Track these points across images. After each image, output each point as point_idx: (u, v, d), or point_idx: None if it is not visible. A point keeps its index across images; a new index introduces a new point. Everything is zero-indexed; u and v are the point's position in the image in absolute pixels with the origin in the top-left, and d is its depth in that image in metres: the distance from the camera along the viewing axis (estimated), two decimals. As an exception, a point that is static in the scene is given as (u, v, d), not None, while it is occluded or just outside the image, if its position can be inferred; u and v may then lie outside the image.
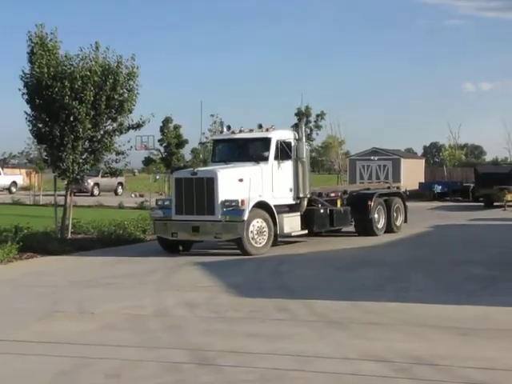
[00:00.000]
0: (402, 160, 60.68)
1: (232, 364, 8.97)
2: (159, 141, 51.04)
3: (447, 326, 10.99)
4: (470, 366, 8.71)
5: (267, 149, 20.78)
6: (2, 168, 71.97)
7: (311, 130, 47.22)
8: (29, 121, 23.94)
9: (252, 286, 15.25)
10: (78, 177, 24.73)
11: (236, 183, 19.37)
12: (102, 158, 25.01)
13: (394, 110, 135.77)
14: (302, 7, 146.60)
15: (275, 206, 20.17)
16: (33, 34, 23.30)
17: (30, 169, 60.04)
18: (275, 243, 19.88)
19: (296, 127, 22.43)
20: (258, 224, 19.64)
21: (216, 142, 23.52)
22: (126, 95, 23.89)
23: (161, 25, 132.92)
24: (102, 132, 24.08)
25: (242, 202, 18.60)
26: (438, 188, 56.65)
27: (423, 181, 60.36)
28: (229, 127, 24.28)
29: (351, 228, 25.40)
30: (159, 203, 21.96)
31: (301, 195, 21.34)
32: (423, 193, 56.49)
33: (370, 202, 23.80)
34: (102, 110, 23.37)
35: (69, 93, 22.78)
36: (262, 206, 19.32)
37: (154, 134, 48.66)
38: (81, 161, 23.93)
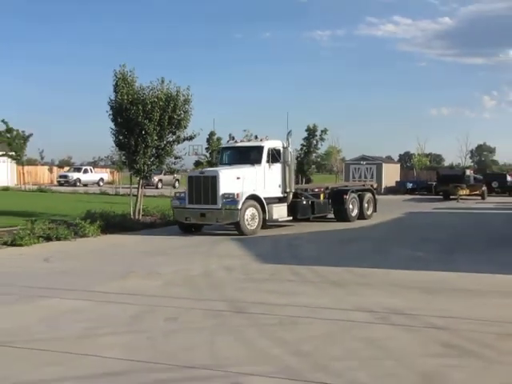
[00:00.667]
0: (384, 164, 60.49)
1: (258, 312, 9.15)
2: (206, 149, 50.84)
3: (415, 286, 11.11)
4: (431, 315, 8.85)
5: (261, 154, 20.82)
6: (93, 168, 72.30)
7: (317, 141, 46.71)
8: (113, 134, 24.39)
9: (272, 255, 15.38)
10: (147, 175, 25.03)
11: (234, 180, 19.44)
12: (164, 161, 25.31)
13: (379, 127, 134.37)
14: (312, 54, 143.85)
15: (266, 198, 20.28)
16: (117, 71, 23.81)
17: (113, 169, 60.01)
18: (264, 227, 19.95)
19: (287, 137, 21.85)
20: (250, 212, 19.68)
21: (223, 149, 23.44)
22: (182, 115, 24.16)
23: (209, 65, 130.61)
24: (164, 142, 24.37)
25: (238, 195, 18.76)
26: (409, 185, 56.84)
27: (399, 180, 60.20)
28: (233, 138, 24.52)
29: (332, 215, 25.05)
30: (177, 195, 21.66)
31: (287, 190, 21.38)
32: (399, 189, 56.48)
33: (345, 196, 23.67)
34: (165, 126, 23.71)
35: (141, 114, 23.12)
36: (253, 198, 19.42)
37: (203, 143, 48.73)
38: (149, 163, 24.22)
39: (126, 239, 20.08)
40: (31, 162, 66.40)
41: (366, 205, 25.50)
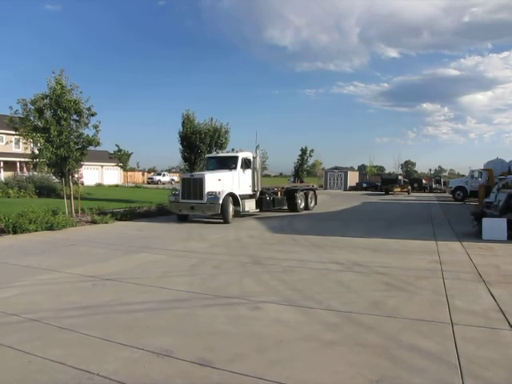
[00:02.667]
0: (348, 172, 60.19)
1: (269, 263, 9.10)
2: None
3: (367, 247, 10.98)
4: (377, 266, 8.75)
5: (236, 162, 18.39)
6: (168, 172, 72.93)
7: (307, 157, 46.33)
8: (180, 152, 24.49)
9: (278, 229, 15.25)
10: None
11: (216, 181, 17.15)
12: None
13: (346, 149, 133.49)
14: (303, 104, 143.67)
15: (241, 195, 17.90)
16: (184, 114, 23.93)
17: (180, 173, 60.75)
18: (237, 216, 17.83)
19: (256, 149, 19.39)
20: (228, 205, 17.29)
21: (208, 158, 20.23)
22: (223, 140, 24.19)
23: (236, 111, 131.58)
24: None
25: (219, 192, 16.69)
26: (364, 185, 56.33)
27: (358, 181, 59.79)
28: (216, 150, 22.33)
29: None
30: (173, 192, 18.28)
31: (256, 189, 19.09)
32: (357, 187, 56.10)
33: (296, 194, 22.00)
34: (213, 147, 23.74)
35: (198, 140, 23.21)
36: (231, 195, 17.11)
37: None
38: (202, 170, 24.34)
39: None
40: (131, 169, 67.21)
41: (310, 200, 23.47)
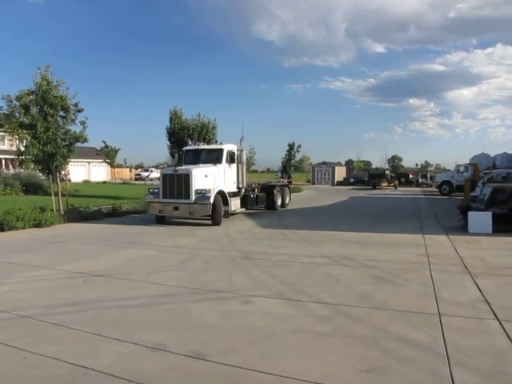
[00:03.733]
0: (336, 167, 60.28)
1: (259, 258, 9.16)
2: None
3: (355, 241, 11.11)
4: (365, 259, 8.87)
5: (221, 156, 16.06)
6: (156, 168, 72.46)
7: (295, 152, 46.29)
8: (168, 148, 24.48)
9: (268, 224, 15.28)
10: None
11: (203, 178, 14.81)
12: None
13: (331, 144, 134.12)
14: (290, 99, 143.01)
15: (227, 193, 15.63)
16: (172, 110, 23.84)
17: (167, 169, 60.51)
18: (226, 217, 15.59)
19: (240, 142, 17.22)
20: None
21: (186, 151, 17.25)
22: (211, 136, 24.13)
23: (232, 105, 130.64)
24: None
25: (209, 190, 14.45)
26: (351, 180, 56.35)
27: (345, 176, 59.98)
28: (194, 142, 19.45)
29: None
30: (150, 190, 15.51)
31: (240, 186, 17.01)
32: (345, 182, 56.26)
33: (273, 190, 20.08)
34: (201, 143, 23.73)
35: (186, 135, 23.09)
36: (220, 193, 15.00)
37: None
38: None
39: None
40: (119, 166, 66.73)
41: (285, 196, 21.86)
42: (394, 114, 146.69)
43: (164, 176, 14.99)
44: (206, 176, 15.10)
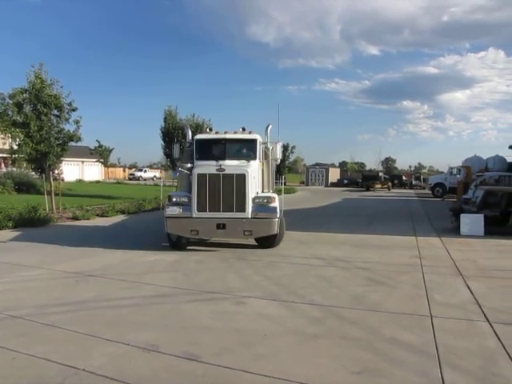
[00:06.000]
0: (330, 168, 60.40)
1: (252, 259, 9.16)
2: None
3: (349, 243, 11.16)
4: (358, 261, 8.91)
5: (255, 149, 11.14)
6: (150, 168, 72.25)
7: (289, 153, 46.31)
8: (162, 148, 24.38)
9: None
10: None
11: (253, 180, 10.14)
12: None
13: (325, 146, 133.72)
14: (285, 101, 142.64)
15: None
16: (166, 110, 23.78)
17: (162, 169, 60.39)
18: None
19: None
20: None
21: (201, 141, 11.30)
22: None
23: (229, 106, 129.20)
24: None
25: (273, 198, 10.04)
26: (345, 181, 56.44)
27: (339, 178, 60.07)
28: (210, 129, 13.61)
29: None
30: (174, 200, 10.06)
31: (271, 191, 11.49)
32: (339, 183, 56.35)
33: None
34: (195, 143, 23.73)
35: (180, 135, 23.04)
36: None
37: None
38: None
39: None
40: (113, 165, 66.58)
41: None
42: (388, 116, 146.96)
43: (201, 177, 9.78)
44: (254, 178, 10.41)
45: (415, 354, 4.38)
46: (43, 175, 16.97)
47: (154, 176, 66.78)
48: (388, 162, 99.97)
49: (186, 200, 9.87)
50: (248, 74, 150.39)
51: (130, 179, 63.85)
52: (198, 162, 10.84)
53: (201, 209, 9.69)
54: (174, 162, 23.98)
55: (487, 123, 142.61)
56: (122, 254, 9.65)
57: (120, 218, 16.88)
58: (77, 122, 16.21)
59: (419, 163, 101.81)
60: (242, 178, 9.80)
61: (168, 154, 24.34)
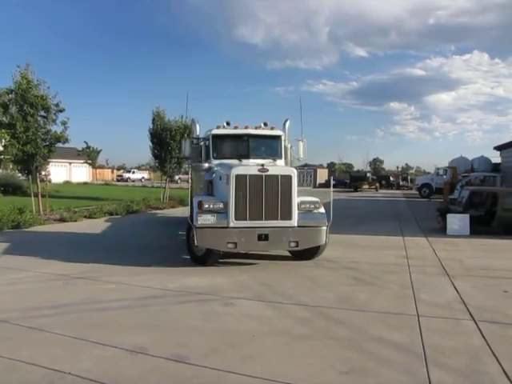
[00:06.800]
0: (318, 169, 60.73)
1: (238, 260, 9.10)
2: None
3: (336, 243, 11.03)
4: (346, 261, 9.00)
5: (279, 146, 10.30)
6: (138, 170, 71.80)
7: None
8: (151, 149, 24.14)
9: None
10: (171, 174, 24.98)
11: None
12: (182, 166, 25.21)
13: (313, 147, 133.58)
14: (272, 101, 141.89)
15: None
16: (154, 111, 23.63)
17: (150, 170, 60.17)
18: None
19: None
20: None
21: (218, 137, 10.11)
22: (194, 138, 23.99)
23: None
24: (182, 155, 24.19)
25: (320, 203, 9.05)
26: (333, 182, 56.48)
27: (327, 178, 60.17)
28: (228, 123, 10.42)
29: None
30: (206, 207, 8.14)
31: None
32: (327, 184, 56.23)
33: None
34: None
35: (169, 137, 22.96)
36: None
37: None
38: (172, 167, 24.10)
39: (160, 211, 19.38)
40: (101, 167, 66.12)
41: None
42: (375, 118, 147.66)
43: (240, 179, 8.20)
44: None
45: (402, 354, 4.41)
46: (30, 177, 16.78)
47: (143, 177, 66.54)
48: (376, 163, 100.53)
49: (221, 206, 8.16)
50: (236, 74, 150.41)
51: (118, 181, 63.54)
52: (215, 161, 9.66)
53: (240, 217, 8.13)
54: (162, 163, 23.96)
55: (472, 124, 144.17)
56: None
57: (113, 219, 16.78)
58: (64, 123, 16.03)
59: (406, 164, 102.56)
60: (287, 180, 8.34)
61: (156, 155, 24.22)
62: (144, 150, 38.40)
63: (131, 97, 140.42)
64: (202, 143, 10.76)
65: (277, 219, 8.24)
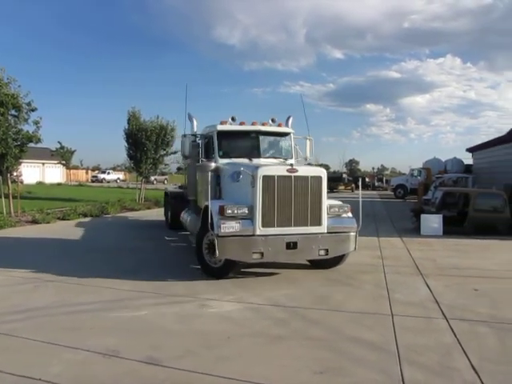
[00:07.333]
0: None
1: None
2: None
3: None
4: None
5: (290, 145, 9.86)
6: (113, 170, 70.78)
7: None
8: (126, 149, 23.93)
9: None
10: (147, 175, 24.77)
11: None
12: (158, 167, 25.03)
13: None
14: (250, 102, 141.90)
15: None
16: (130, 111, 23.38)
17: (125, 171, 59.44)
18: None
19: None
20: None
21: (223, 134, 9.33)
22: (170, 138, 23.85)
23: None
24: (158, 155, 24.03)
25: (348, 207, 8.36)
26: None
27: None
28: (233, 119, 9.50)
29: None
30: (229, 211, 7.04)
31: None
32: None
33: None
34: (159, 145, 23.47)
35: (144, 137, 22.77)
36: None
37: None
38: (148, 168, 23.89)
39: (137, 212, 18.86)
40: (75, 167, 64.94)
41: None
42: (352, 119, 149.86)
43: (268, 181, 7.28)
44: None
45: (376, 353, 4.47)
46: (0, 177, 16.33)
47: (118, 178, 65.63)
48: (352, 164, 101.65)
49: (246, 211, 7.19)
50: (214, 76, 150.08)
51: (92, 181, 62.57)
52: (223, 161, 8.91)
53: (267, 223, 7.21)
54: (138, 163, 23.71)
55: (446, 126, 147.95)
56: (84, 256, 9.40)
57: (87, 220, 16.48)
58: (36, 123, 15.66)
59: (382, 165, 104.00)
60: (318, 182, 7.63)
61: (132, 155, 23.96)
62: (119, 151, 37.92)
63: (107, 97, 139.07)
64: (199, 141, 9.92)
65: (306, 225, 7.44)
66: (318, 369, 4.08)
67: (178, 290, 6.80)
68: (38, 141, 16.00)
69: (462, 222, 13.65)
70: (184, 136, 9.98)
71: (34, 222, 15.20)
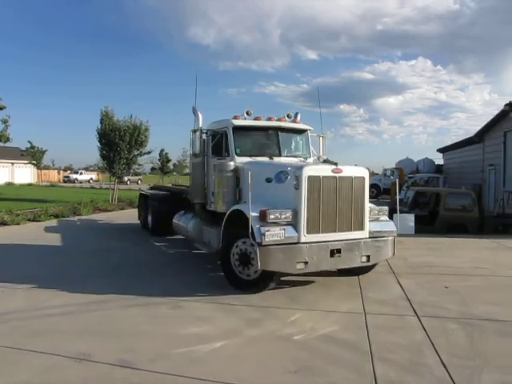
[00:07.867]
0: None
1: (192, 261, 8.97)
2: (158, 159, 49.34)
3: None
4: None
5: (307, 142, 9.26)
6: (86, 171, 69.50)
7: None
8: (99, 149, 23.49)
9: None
10: (120, 175, 24.39)
11: None
12: (131, 167, 24.73)
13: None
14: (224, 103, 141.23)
15: None
16: (102, 110, 23.00)
17: (98, 171, 58.44)
18: None
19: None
20: None
21: (239, 129, 8.36)
22: (143, 138, 23.56)
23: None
24: (132, 155, 23.67)
25: (386, 209, 7.88)
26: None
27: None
28: (248, 113, 8.55)
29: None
30: (271, 217, 6.21)
31: None
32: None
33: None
34: (132, 145, 23.09)
35: (117, 137, 22.43)
36: None
37: (156, 155, 46.73)
38: (121, 168, 23.55)
39: (111, 214, 18.43)
40: (46, 167, 63.37)
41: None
42: (325, 120, 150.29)
43: (313, 182, 6.61)
44: None
45: (349, 351, 4.52)
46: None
47: (91, 178, 64.53)
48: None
49: (290, 216, 6.42)
50: (188, 75, 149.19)
51: (65, 182, 61.29)
52: (242, 159, 8.07)
53: (312, 229, 6.54)
54: (111, 164, 23.35)
55: (418, 127, 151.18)
56: (54, 258, 9.20)
57: (58, 221, 16.12)
58: (5, 122, 15.36)
59: (356, 165, 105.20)
60: (361, 183, 7.00)
61: (105, 155, 23.59)
62: (93, 151, 37.43)
63: (79, 97, 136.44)
64: (205, 137, 9.05)
65: (350, 230, 6.87)
66: (292, 368, 4.10)
67: (151, 291, 6.71)
68: (7, 140, 15.69)
69: (433, 221, 13.96)
70: (194, 132, 8.84)
71: (3, 223, 14.76)
